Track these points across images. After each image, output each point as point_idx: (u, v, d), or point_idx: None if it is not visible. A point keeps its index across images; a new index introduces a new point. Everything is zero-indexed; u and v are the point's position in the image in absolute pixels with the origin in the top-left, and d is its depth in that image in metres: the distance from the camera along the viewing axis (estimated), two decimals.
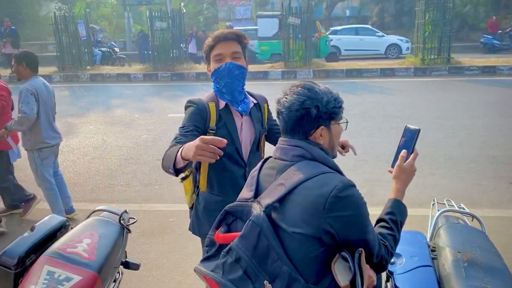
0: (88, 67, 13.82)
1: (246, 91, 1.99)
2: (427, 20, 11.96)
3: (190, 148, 1.38)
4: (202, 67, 13.92)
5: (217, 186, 1.92)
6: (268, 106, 2.07)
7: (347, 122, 1.41)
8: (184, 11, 15.42)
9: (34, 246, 1.96)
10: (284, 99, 1.35)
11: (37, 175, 3.92)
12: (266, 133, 2.06)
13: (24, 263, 1.90)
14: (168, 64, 13.34)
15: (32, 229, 2.06)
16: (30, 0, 30.68)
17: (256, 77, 12.45)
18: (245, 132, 1.93)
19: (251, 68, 13.14)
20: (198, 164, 1.94)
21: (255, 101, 2.00)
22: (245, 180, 1.56)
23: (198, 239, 2.07)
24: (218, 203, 1.80)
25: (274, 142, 2.01)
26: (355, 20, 29.43)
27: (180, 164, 1.54)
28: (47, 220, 2.17)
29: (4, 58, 14.02)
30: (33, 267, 1.84)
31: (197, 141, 1.32)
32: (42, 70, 13.95)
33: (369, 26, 20.50)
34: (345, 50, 18.79)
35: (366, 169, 5.14)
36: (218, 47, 1.86)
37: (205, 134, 1.78)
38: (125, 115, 8.35)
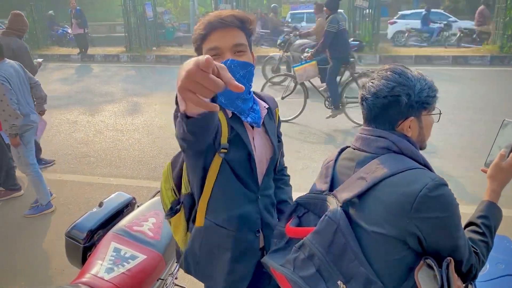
0: (154, 48, 14.19)
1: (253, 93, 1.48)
2: (509, 4, 11.01)
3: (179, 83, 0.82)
4: (264, 50, 13.83)
5: (222, 216, 1.42)
6: (278, 111, 1.60)
7: (440, 114, 1.26)
8: None
9: (102, 222, 2.01)
10: (371, 83, 1.24)
11: (20, 162, 3.75)
12: None
13: (93, 238, 1.95)
14: None
15: (100, 205, 2.11)
16: None
17: None
18: (259, 148, 1.44)
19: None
20: (196, 194, 1.45)
21: (266, 106, 1.49)
22: (258, 208, 1.43)
23: None
24: (223, 238, 1.42)
25: None
26: (426, 4, 27.92)
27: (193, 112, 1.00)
28: (115, 197, 2.22)
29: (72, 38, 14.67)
30: (101, 243, 1.88)
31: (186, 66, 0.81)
32: (110, 49, 14.66)
33: (441, 11, 19.32)
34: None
35: (434, 162, 4.83)
36: (213, 38, 1.31)
37: (213, 156, 1.35)
38: None
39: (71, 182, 4.64)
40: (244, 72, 1.30)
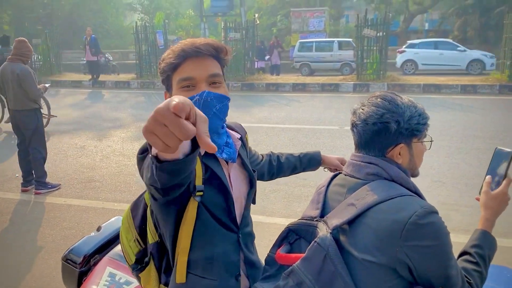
0: None
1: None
2: None
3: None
4: (273, 78, 14.02)
5: (202, 265, 1.27)
6: (248, 137, 1.52)
7: (431, 141, 1.27)
8: (258, 22, 15.65)
9: (99, 246, 2.00)
10: (361, 110, 1.25)
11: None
12: None
13: (89, 263, 1.94)
14: (239, 75, 13.58)
15: (98, 229, 2.11)
16: (115, 11, 33.02)
17: (326, 89, 12.28)
18: (236, 184, 1.33)
19: (321, 79, 13.00)
20: (169, 244, 1.28)
21: (239, 136, 1.38)
22: (238, 249, 1.32)
23: None
24: None
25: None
26: (435, 33, 28.18)
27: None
28: (114, 221, 2.22)
29: (85, 64, 15.04)
30: (96, 268, 1.88)
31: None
32: (122, 77, 14.96)
33: (450, 40, 19.48)
34: (423, 64, 18.07)
35: (442, 191, 4.79)
36: (186, 67, 1.20)
37: (188, 200, 1.21)
38: None
39: (76, 206, 4.66)
40: (220, 106, 1.18)
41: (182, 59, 1.19)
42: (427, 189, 4.75)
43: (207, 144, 0.68)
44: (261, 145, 6.56)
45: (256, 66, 14.91)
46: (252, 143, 1.64)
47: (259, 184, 1.51)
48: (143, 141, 1.01)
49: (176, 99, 0.66)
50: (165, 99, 1.09)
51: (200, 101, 1.15)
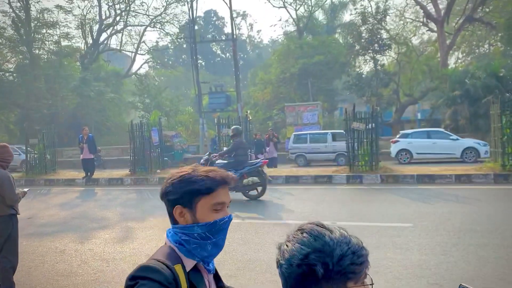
0: (158, 170, 14.44)
1: None
2: (505, 124, 11.22)
3: None
4: (268, 171, 13.96)
5: None
6: None
7: (372, 284, 1.05)
8: (250, 118, 16.06)
9: None
10: (285, 246, 1.05)
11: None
12: None
13: None
14: None
15: None
16: (118, 109, 34.31)
17: (319, 181, 12.15)
18: None
19: (314, 171, 12.94)
20: None
21: None
22: None
23: None
24: None
25: None
26: (427, 123, 28.88)
27: None
28: None
29: (81, 163, 14.95)
30: None
31: None
32: (116, 173, 14.94)
33: (442, 130, 19.85)
34: (417, 153, 18.25)
35: None
36: (220, 193, 1.40)
37: None
38: None
39: None
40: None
41: (217, 186, 1.40)
42: None
43: None
44: (250, 244, 6.23)
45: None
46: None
47: None
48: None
49: None
50: (177, 213, 1.40)
51: (227, 223, 1.43)
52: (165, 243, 1.42)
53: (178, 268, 1.28)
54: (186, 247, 1.36)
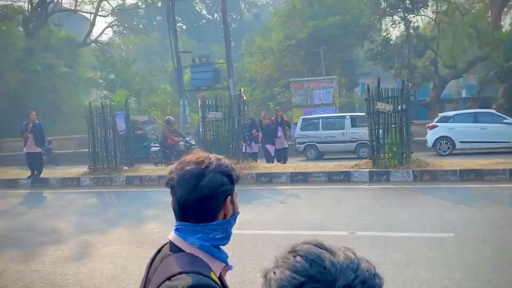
0: (126, 167, 14.44)
1: None
2: None
3: None
4: (265, 167, 13.97)
5: None
6: None
7: None
8: (245, 98, 16.02)
9: None
10: (273, 273, 1.01)
11: None
12: None
13: None
14: None
15: None
16: (74, 88, 34.13)
17: (333, 180, 12.19)
18: None
19: (327, 166, 12.97)
20: None
21: None
22: None
23: None
24: None
25: None
26: (474, 102, 28.91)
27: None
28: None
29: (25, 158, 14.33)
30: None
31: None
32: (71, 172, 14.97)
33: (493, 111, 19.86)
34: (461, 142, 18.22)
35: None
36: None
37: None
38: (158, 232, 8.29)
39: None
40: None
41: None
42: None
43: None
44: (245, 262, 6.24)
45: (244, 151, 14.93)
46: (232, 259, 1.78)
47: None
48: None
49: None
50: (228, 205, 1.58)
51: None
52: (176, 253, 1.51)
53: (213, 276, 1.43)
54: (216, 248, 1.54)
